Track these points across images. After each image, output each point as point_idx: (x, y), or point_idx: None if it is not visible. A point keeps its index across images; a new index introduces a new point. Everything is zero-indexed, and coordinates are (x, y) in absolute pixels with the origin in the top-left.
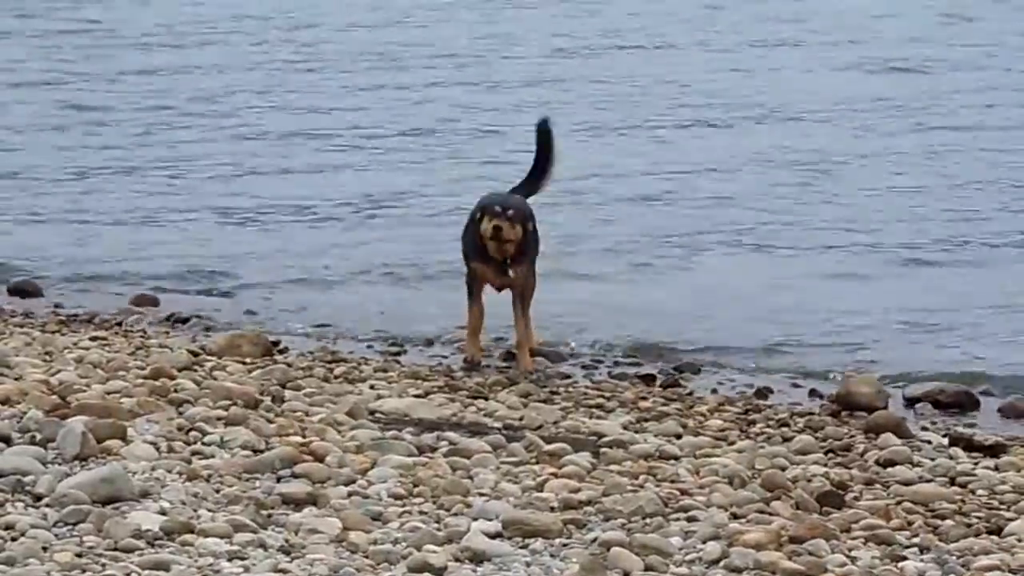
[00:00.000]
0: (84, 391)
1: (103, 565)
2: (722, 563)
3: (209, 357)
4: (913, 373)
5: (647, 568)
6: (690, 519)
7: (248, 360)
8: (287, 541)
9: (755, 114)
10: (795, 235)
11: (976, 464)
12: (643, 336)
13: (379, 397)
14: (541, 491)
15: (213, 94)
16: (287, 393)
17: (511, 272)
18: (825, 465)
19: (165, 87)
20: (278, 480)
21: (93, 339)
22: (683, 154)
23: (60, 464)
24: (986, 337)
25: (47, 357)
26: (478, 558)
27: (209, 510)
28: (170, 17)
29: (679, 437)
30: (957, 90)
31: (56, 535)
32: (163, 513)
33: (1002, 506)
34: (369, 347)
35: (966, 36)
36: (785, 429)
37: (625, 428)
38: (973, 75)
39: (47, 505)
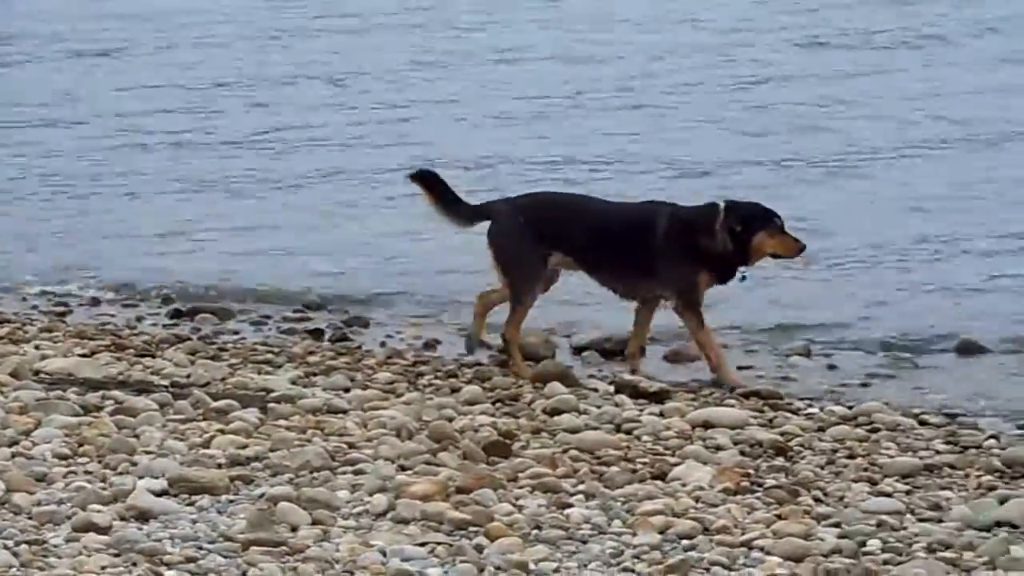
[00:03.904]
0: None
1: None
2: (389, 515)
3: None
4: (579, 322)
5: (314, 522)
6: (357, 472)
7: None
8: None
9: None
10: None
11: (642, 411)
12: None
13: (44, 357)
14: (208, 448)
15: None
16: None
17: None
18: (493, 415)
19: None
20: None
21: None
22: None
23: None
24: None
25: None
26: (144, 516)
27: None
28: None
29: (347, 391)
30: None
31: None
32: None
33: (667, 451)
34: (34, 307)
35: None
36: (453, 380)
37: (293, 383)
38: None
39: None
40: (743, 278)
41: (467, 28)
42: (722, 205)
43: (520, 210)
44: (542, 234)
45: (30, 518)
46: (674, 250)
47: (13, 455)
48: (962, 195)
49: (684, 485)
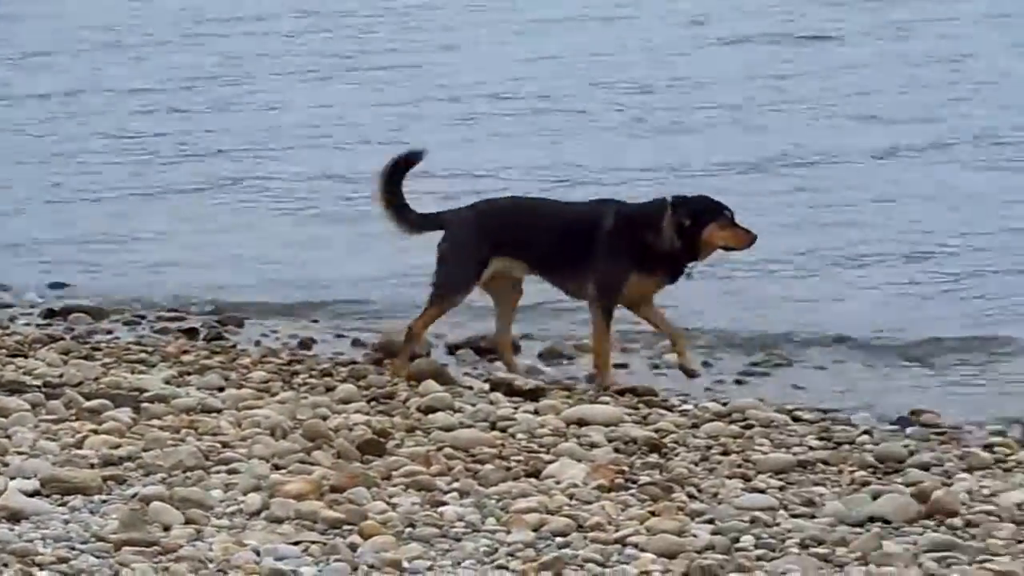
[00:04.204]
0: None
1: None
2: (263, 514)
3: None
4: (457, 321)
5: (188, 521)
6: (231, 471)
7: None
8: None
9: None
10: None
11: (516, 409)
12: (186, 290)
13: None
14: (80, 448)
15: None
16: None
17: None
18: (367, 414)
19: None
20: None
21: None
22: None
23: None
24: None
25: None
26: (16, 516)
27: None
28: None
29: (222, 390)
30: None
31: None
32: None
33: (541, 449)
34: None
35: None
36: (328, 379)
37: (167, 382)
38: None
39: None
40: (690, 276)
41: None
42: (669, 200)
43: (472, 218)
44: (492, 240)
45: None
46: (618, 247)
47: None
48: (843, 205)
49: (558, 483)
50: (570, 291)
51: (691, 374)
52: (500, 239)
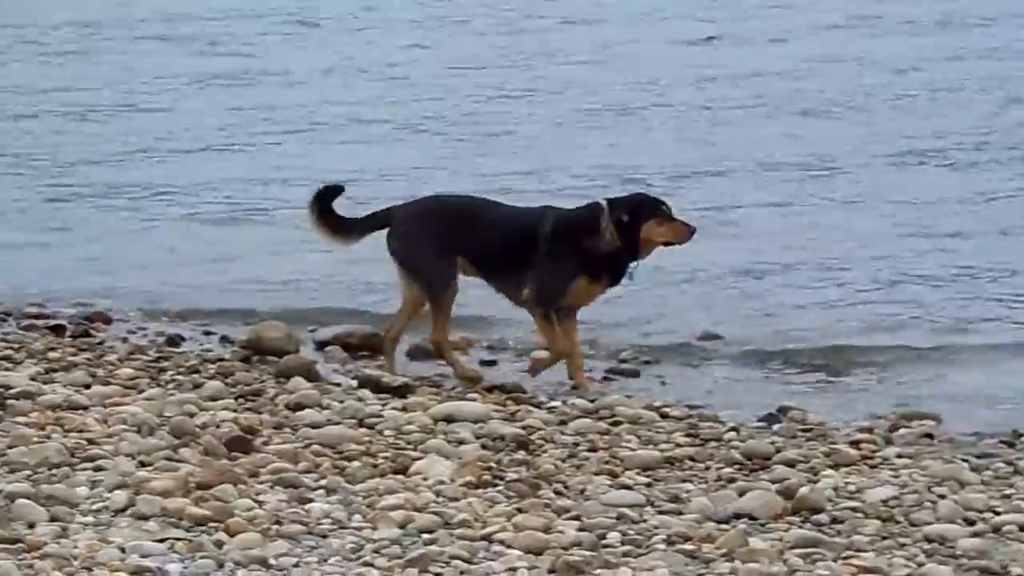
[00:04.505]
0: None
1: None
2: (129, 511)
3: None
4: (327, 318)
5: (53, 519)
6: (97, 468)
7: None
8: None
9: None
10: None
11: (384, 405)
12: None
13: None
14: None
15: None
16: None
17: None
18: (235, 411)
19: None
20: None
21: None
22: None
23: None
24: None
25: None
26: None
27: None
28: None
29: (88, 387)
30: None
31: None
32: None
33: (408, 446)
34: None
35: None
36: (196, 376)
37: (33, 379)
38: None
39: None
40: (631, 276)
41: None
42: (604, 202)
43: (421, 215)
44: (442, 238)
45: None
46: (556, 253)
47: None
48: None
49: (425, 479)
50: (508, 295)
51: (582, 390)
52: (450, 237)
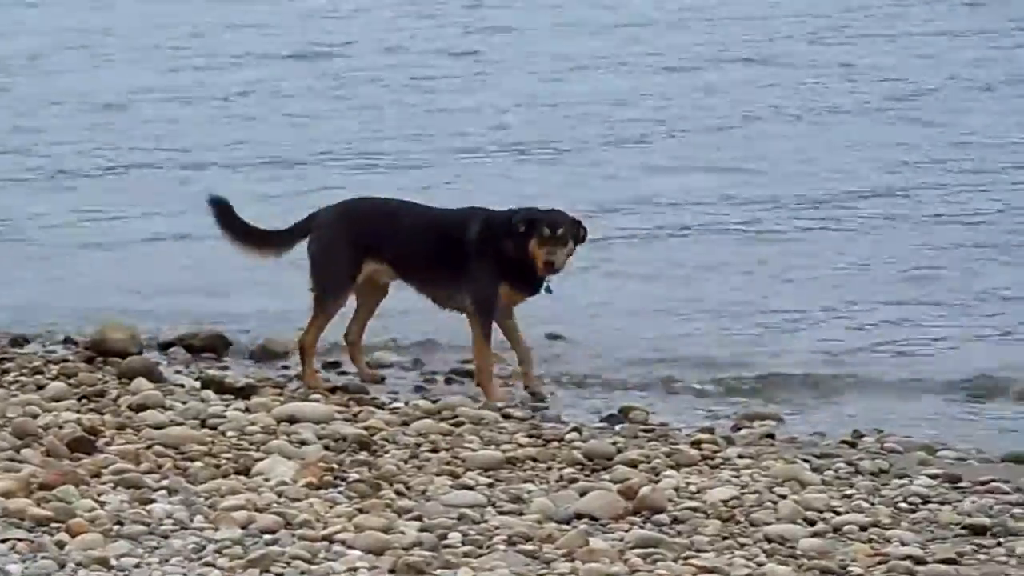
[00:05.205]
0: None
1: None
2: None
3: None
4: (171, 319)
5: None
6: None
7: None
8: None
9: None
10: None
11: (228, 406)
12: None
13: None
14: None
15: None
16: None
17: None
18: (78, 411)
19: None
20: None
21: None
22: None
23: None
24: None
25: None
26: None
27: None
28: None
29: None
30: None
31: None
32: None
33: (251, 446)
34: None
35: None
36: (39, 377)
37: None
38: None
39: None
40: (548, 289)
41: None
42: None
43: (339, 218)
44: (359, 242)
45: None
46: (482, 257)
47: None
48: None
49: (267, 480)
50: (436, 299)
51: (538, 396)
52: (368, 240)
